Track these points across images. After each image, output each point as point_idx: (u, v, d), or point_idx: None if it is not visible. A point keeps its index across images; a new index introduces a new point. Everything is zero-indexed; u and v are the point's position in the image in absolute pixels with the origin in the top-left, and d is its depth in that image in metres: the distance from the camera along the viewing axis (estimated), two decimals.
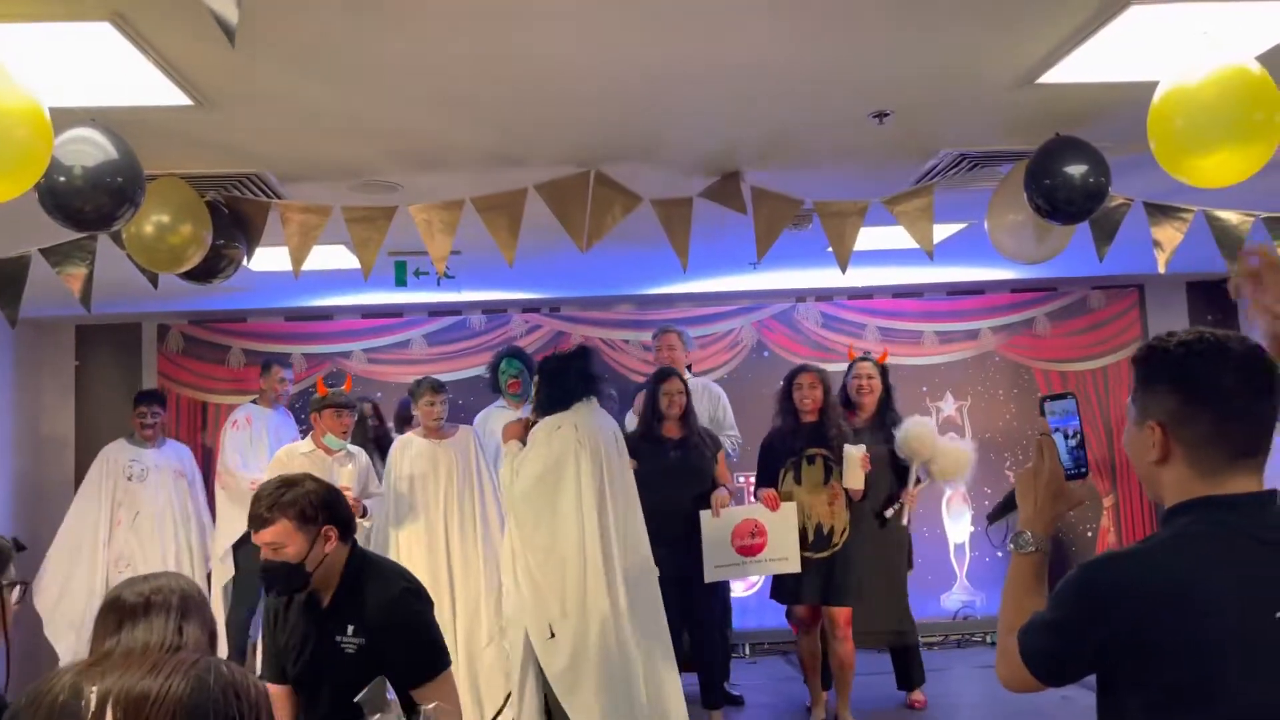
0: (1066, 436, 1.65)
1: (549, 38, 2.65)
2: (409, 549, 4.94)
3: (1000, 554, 6.69)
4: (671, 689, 4.15)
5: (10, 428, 6.37)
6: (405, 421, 5.97)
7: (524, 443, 4.22)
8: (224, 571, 5.80)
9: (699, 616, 4.90)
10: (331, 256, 4.73)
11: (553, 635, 3.98)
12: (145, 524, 5.86)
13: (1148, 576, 1.43)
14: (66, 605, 5.69)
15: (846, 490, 4.88)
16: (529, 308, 6.99)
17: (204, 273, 3.69)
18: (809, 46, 2.78)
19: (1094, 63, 2.88)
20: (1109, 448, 6.92)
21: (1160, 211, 3.92)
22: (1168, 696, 1.40)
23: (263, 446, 5.78)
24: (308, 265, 3.76)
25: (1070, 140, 3.43)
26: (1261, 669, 1.37)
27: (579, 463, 4.07)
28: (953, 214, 4.58)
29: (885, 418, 5.23)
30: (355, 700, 2.24)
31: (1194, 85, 2.68)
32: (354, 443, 5.10)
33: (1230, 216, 3.97)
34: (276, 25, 2.47)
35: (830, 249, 4.01)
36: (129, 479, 5.91)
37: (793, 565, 4.85)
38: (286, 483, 2.65)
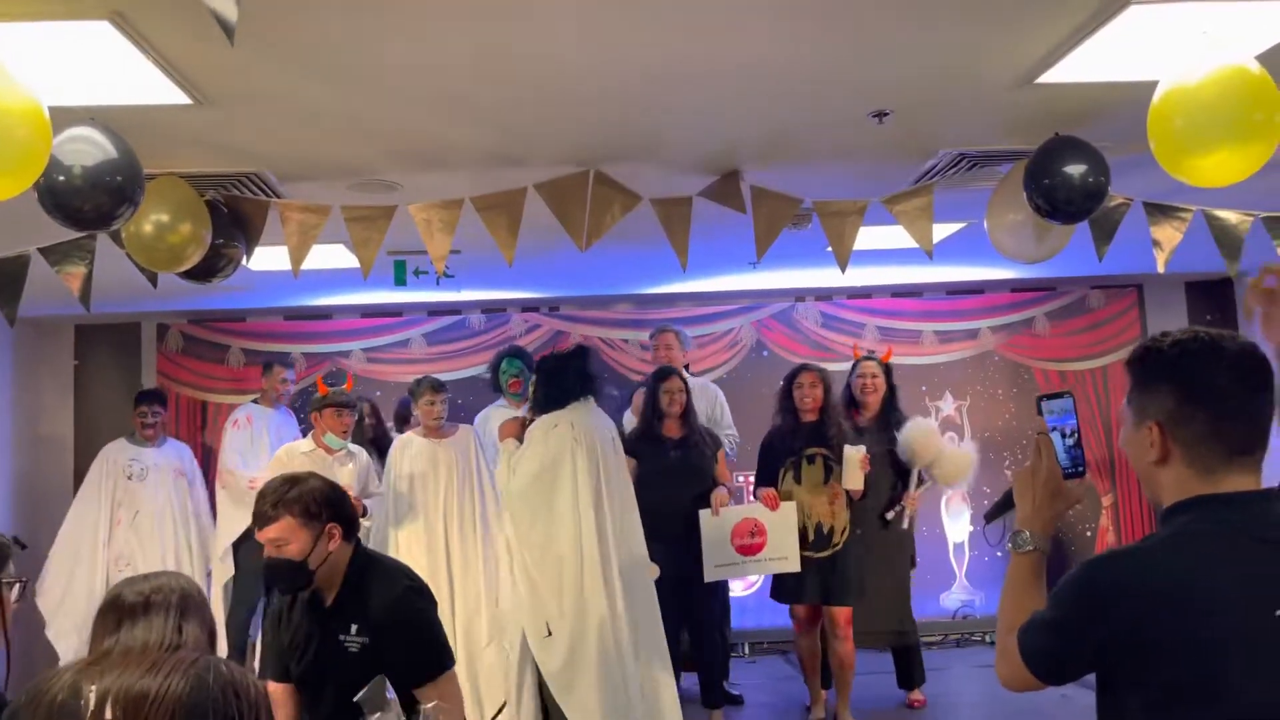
0: (1064, 435, 1.65)
1: (549, 38, 2.65)
2: (408, 548, 4.94)
3: (1000, 554, 6.69)
4: (666, 688, 4.15)
5: (9, 427, 6.37)
6: (404, 421, 5.98)
7: (520, 441, 4.23)
8: (224, 571, 5.80)
9: (699, 616, 4.90)
10: (331, 256, 4.73)
11: (550, 634, 3.98)
12: (145, 523, 5.85)
13: (1147, 575, 1.43)
14: (68, 605, 5.69)
15: (846, 491, 4.88)
16: (528, 307, 6.99)
17: (203, 272, 3.69)
18: (809, 46, 2.78)
19: (1093, 62, 2.88)
20: (1108, 447, 6.93)
21: (1159, 211, 3.93)
22: (1168, 695, 1.40)
23: (264, 446, 5.77)
24: (307, 264, 3.76)
25: (1070, 140, 3.43)
26: (1262, 668, 1.37)
27: (575, 461, 4.07)
28: (952, 213, 4.59)
29: (889, 417, 5.23)
30: (355, 699, 2.24)
31: (1194, 85, 2.68)
32: (352, 442, 5.10)
33: (1229, 216, 3.97)
34: (276, 24, 2.47)
35: (830, 248, 4.01)
36: (129, 478, 5.90)
37: (792, 565, 4.85)
38: (291, 480, 2.65)
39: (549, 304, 7.01)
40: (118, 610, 1.76)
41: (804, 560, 4.85)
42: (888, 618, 5.20)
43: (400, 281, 4.95)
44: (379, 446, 5.54)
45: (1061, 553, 6.73)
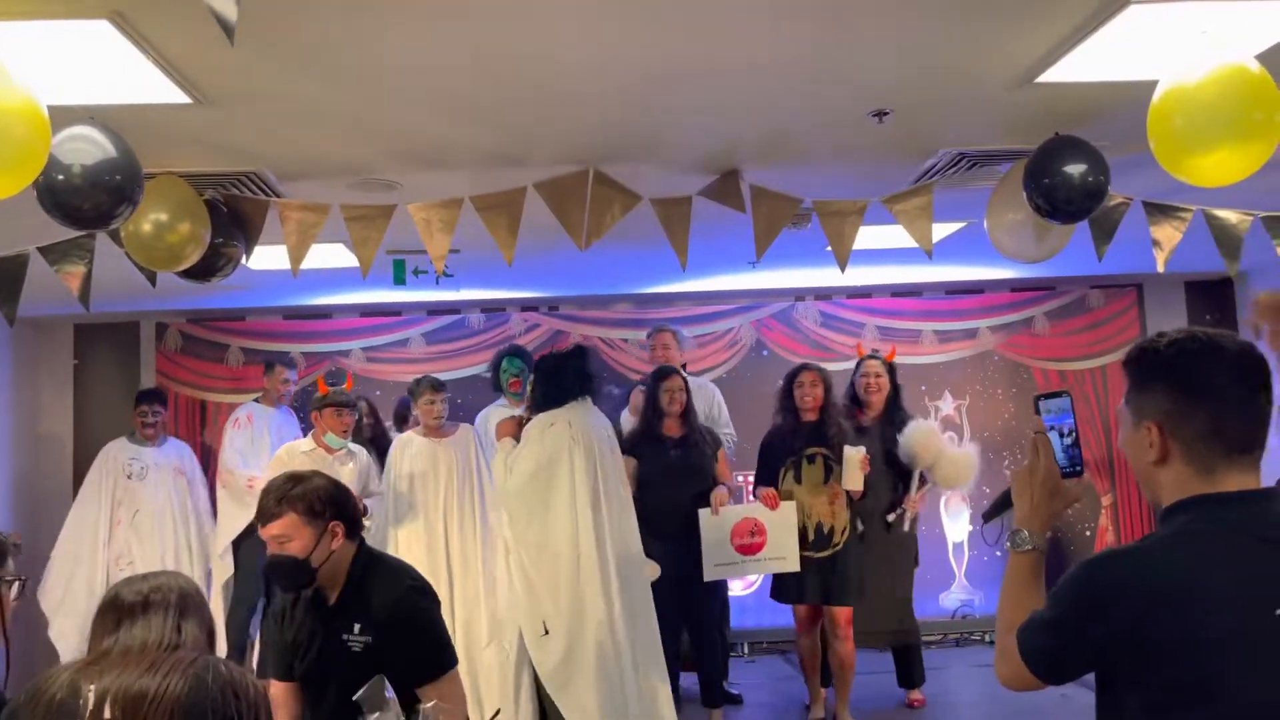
0: (1062, 435, 1.65)
1: (549, 38, 2.65)
2: (408, 548, 4.94)
3: (999, 553, 6.69)
4: (661, 687, 4.15)
5: (8, 427, 6.37)
6: (403, 420, 5.98)
7: (517, 440, 4.23)
8: (224, 569, 5.81)
9: (698, 616, 4.90)
10: (330, 255, 4.73)
11: (546, 632, 3.98)
12: (144, 522, 5.86)
13: (1147, 574, 1.43)
14: (69, 605, 5.70)
15: (847, 491, 4.88)
16: (528, 306, 6.99)
17: (202, 271, 3.69)
18: (809, 46, 2.78)
19: (1093, 62, 2.88)
20: (1107, 447, 6.93)
21: (1159, 211, 3.93)
22: (1167, 694, 1.40)
23: (264, 445, 5.78)
24: (306, 264, 3.75)
25: (1069, 139, 3.43)
26: (1261, 667, 1.37)
27: (573, 460, 4.07)
28: (952, 213, 4.59)
29: (893, 417, 5.23)
30: (354, 698, 2.24)
31: (1193, 84, 2.68)
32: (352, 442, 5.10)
33: (1229, 216, 3.97)
34: (276, 24, 2.47)
35: (829, 248, 4.01)
36: (128, 477, 5.91)
37: (791, 565, 4.85)
38: (295, 478, 2.65)
39: (548, 303, 7.01)
40: (117, 610, 1.76)
41: (804, 560, 4.85)
42: (889, 617, 5.19)
43: (399, 281, 4.95)
44: (377, 446, 5.54)
45: (1060, 552, 6.73)
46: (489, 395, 5.83)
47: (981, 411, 7.03)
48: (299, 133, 3.30)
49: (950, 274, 6.61)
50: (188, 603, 1.79)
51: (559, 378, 4.22)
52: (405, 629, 2.60)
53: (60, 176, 2.84)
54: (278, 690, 2.73)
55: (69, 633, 5.64)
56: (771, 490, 4.91)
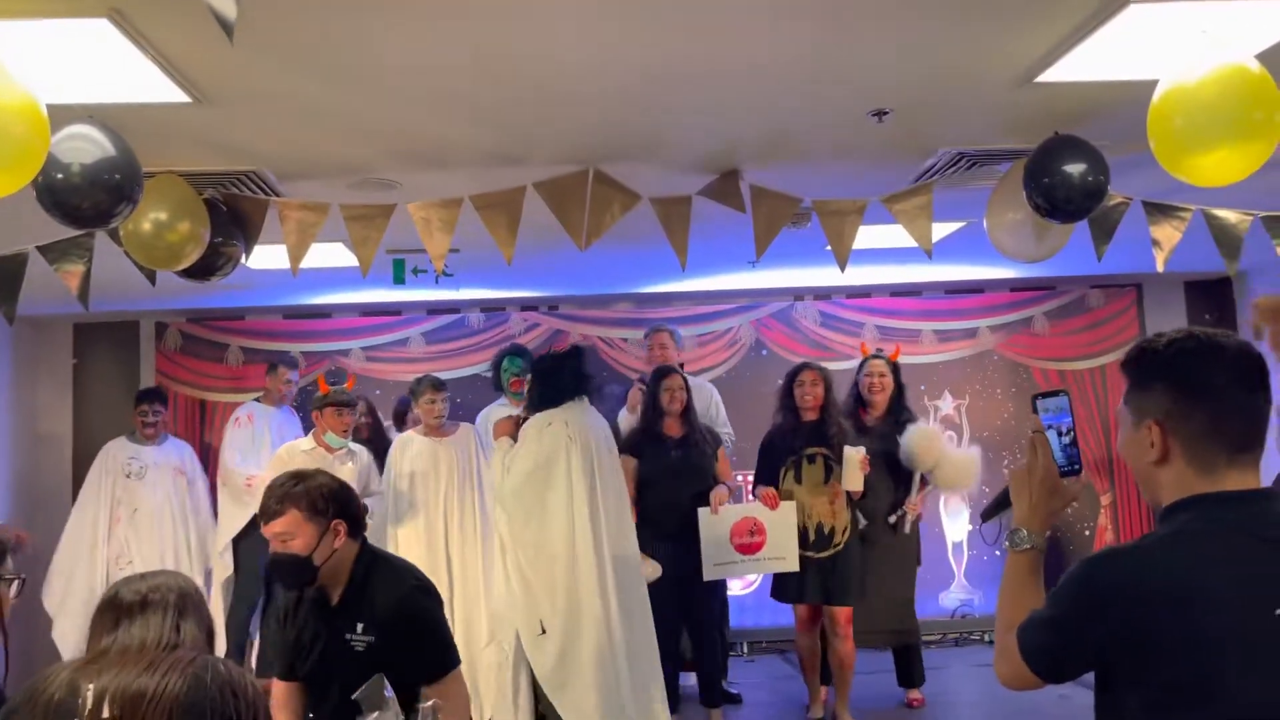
0: (1060, 434, 1.65)
1: (549, 38, 2.64)
2: (408, 547, 4.94)
3: (998, 553, 6.69)
4: (656, 687, 4.15)
5: (7, 426, 6.36)
6: (401, 419, 5.98)
7: (514, 439, 4.23)
8: (224, 568, 5.82)
9: (698, 615, 4.90)
10: (330, 254, 4.73)
11: (543, 632, 3.98)
12: (143, 521, 5.86)
13: (1147, 573, 1.43)
14: (69, 605, 5.71)
15: (847, 491, 4.87)
16: (527, 306, 6.99)
17: (202, 270, 3.69)
18: (809, 46, 2.78)
19: (1093, 61, 2.88)
20: (1107, 447, 6.93)
21: (1159, 210, 3.92)
22: (1167, 694, 1.40)
23: (265, 444, 5.79)
24: (306, 263, 3.75)
25: (1069, 139, 3.43)
26: (1261, 667, 1.37)
27: (570, 459, 4.07)
28: (951, 212, 4.58)
29: (898, 416, 5.22)
30: (353, 697, 2.24)
31: (1193, 84, 2.68)
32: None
33: (1229, 215, 3.97)
34: (275, 23, 2.47)
35: (829, 247, 4.01)
36: (127, 476, 5.91)
37: (791, 565, 4.84)
38: (298, 475, 2.65)
39: (548, 303, 7.01)
40: (115, 609, 1.76)
41: (805, 560, 4.84)
42: (890, 617, 5.19)
43: (399, 280, 4.95)
44: (375, 446, 5.54)
45: (1060, 551, 6.73)
46: (488, 395, 5.83)
47: (981, 411, 7.03)
48: (299, 132, 3.30)
49: (950, 274, 6.61)
50: (186, 602, 1.79)
51: (556, 378, 4.22)
52: (408, 629, 2.59)
53: (59, 175, 2.84)
54: (280, 690, 2.73)
55: (69, 632, 5.65)
56: (771, 490, 4.90)
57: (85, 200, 2.89)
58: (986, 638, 6.61)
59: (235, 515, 5.74)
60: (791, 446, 4.94)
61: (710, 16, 2.56)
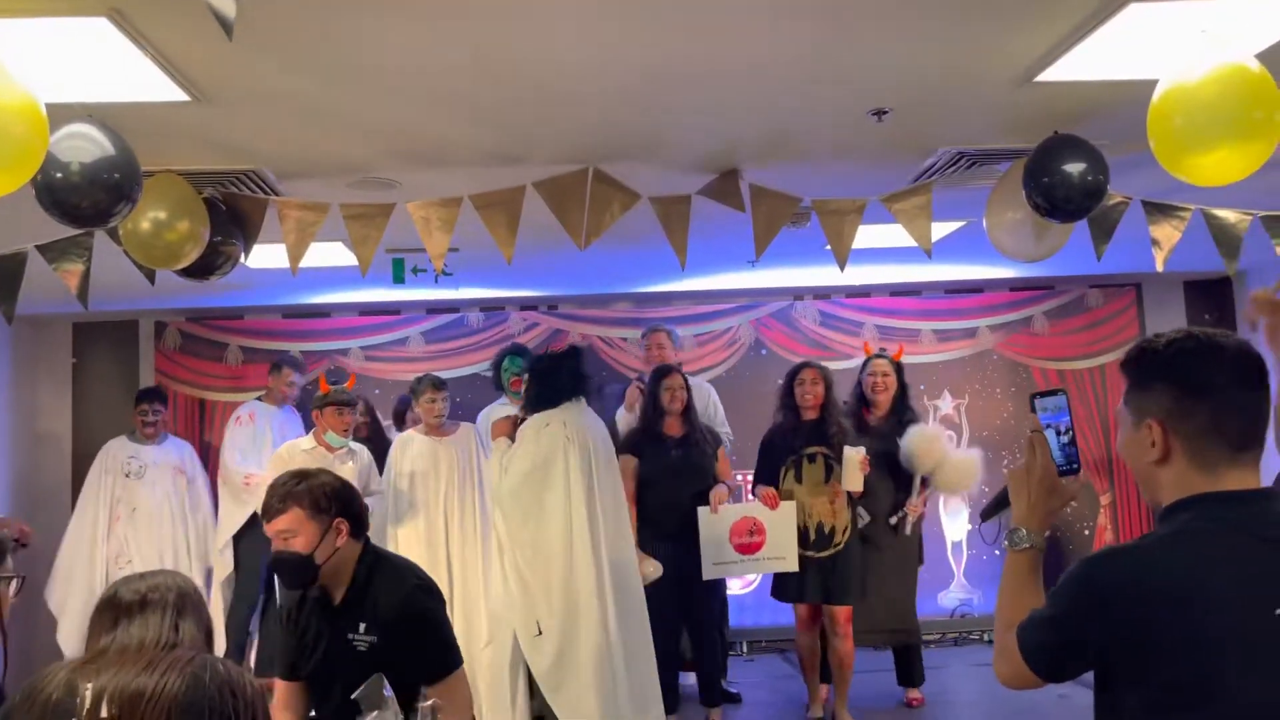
0: (1058, 433, 1.65)
1: (549, 37, 2.64)
2: (409, 546, 4.94)
3: (997, 552, 6.69)
4: (652, 689, 4.15)
5: (7, 425, 6.36)
6: (400, 419, 5.98)
7: (512, 440, 4.22)
8: (224, 565, 5.83)
9: (699, 615, 4.90)
10: (329, 253, 4.73)
11: (540, 632, 3.98)
12: (142, 520, 5.86)
13: (1147, 573, 1.43)
14: (71, 605, 5.71)
15: (847, 491, 4.87)
16: (527, 305, 6.99)
17: (201, 269, 3.69)
18: (808, 46, 2.78)
19: (1093, 61, 2.88)
20: (1106, 446, 6.93)
21: (1158, 210, 3.93)
22: (1166, 694, 1.40)
23: (267, 443, 5.80)
24: (305, 262, 3.75)
25: (1069, 138, 3.43)
26: (1261, 666, 1.37)
27: (568, 460, 4.07)
28: (951, 212, 4.58)
29: (901, 416, 5.21)
30: (353, 696, 2.23)
31: (1193, 83, 2.68)
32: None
33: (1228, 215, 3.97)
34: (275, 22, 2.47)
35: (828, 247, 4.01)
36: (126, 475, 5.92)
37: (790, 565, 4.84)
38: (301, 474, 2.65)
39: (547, 302, 7.00)
40: (114, 608, 1.75)
41: (805, 560, 4.84)
42: (891, 617, 5.18)
43: (399, 279, 4.95)
44: (374, 446, 5.54)
45: (1059, 551, 6.73)
46: (487, 394, 5.83)
47: (980, 411, 7.03)
48: (298, 131, 3.29)
49: (949, 273, 6.61)
50: (185, 602, 1.79)
51: (553, 378, 4.22)
52: (411, 629, 2.58)
53: (59, 174, 2.84)
54: (282, 690, 2.73)
55: (72, 633, 5.65)
56: (771, 490, 4.90)
57: (84, 199, 2.89)
58: (986, 637, 6.61)
59: (235, 513, 5.75)
60: (792, 446, 4.94)
61: (710, 16, 2.56)
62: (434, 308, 6.90)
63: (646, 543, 4.69)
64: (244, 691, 1.69)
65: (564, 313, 7.00)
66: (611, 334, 6.96)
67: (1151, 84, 2.81)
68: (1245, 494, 1.47)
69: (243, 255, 3.82)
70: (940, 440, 5.20)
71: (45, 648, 5.61)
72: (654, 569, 4.58)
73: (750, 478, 5.30)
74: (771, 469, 4.99)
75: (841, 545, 4.86)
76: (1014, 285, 7.08)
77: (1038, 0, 2.54)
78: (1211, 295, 7.06)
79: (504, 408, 5.47)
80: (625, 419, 5.34)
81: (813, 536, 4.87)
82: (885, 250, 5.26)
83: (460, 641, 4.76)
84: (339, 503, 2.62)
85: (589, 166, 3.66)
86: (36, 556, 5.68)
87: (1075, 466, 1.65)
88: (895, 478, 5.15)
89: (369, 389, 6.53)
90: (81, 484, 6.05)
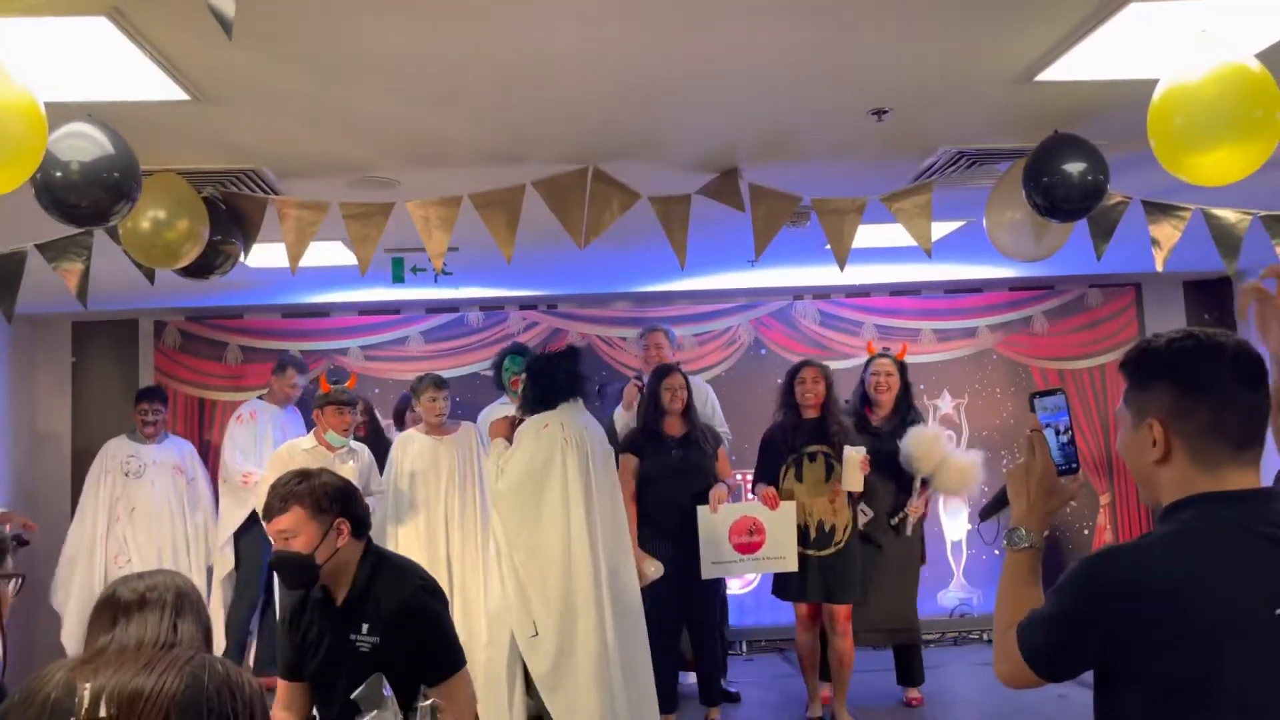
0: (1057, 432, 1.65)
1: (549, 36, 2.64)
2: (409, 546, 4.94)
3: (996, 552, 6.69)
4: (648, 692, 4.15)
5: (6, 424, 6.36)
6: (400, 418, 5.98)
7: (510, 441, 4.22)
8: (224, 563, 5.84)
9: (699, 615, 4.89)
10: (329, 253, 4.73)
11: (536, 633, 3.98)
12: (142, 519, 5.87)
13: (1147, 572, 1.43)
14: (72, 605, 5.71)
15: (847, 491, 4.87)
16: (526, 305, 6.99)
17: (200, 269, 3.69)
18: (808, 45, 2.78)
19: (1093, 60, 2.87)
20: (1106, 446, 6.93)
21: (1158, 210, 3.92)
22: (1166, 693, 1.40)
23: (268, 442, 5.82)
24: (305, 261, 3.75)
25: (1069, 138, 3.42)
26: (1261, 666, 1.37)
27: (565, 462, 4.07)
28: (951, 212, 4.58)
29: (904, 416, 5.21)
30: (352, 696, 2.23)
31: (1193, 83, 2.68)
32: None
33: (1228, 215, 3.97)
34: (274, 21, 2.47)
35: (828, 246, 4.00)
36: (126, 475, 5.92)
37: (790, 565, 4.84)
38: (303, 474, 2.65)
39: (547, 301, 7.00)
40: (113, 608, 1.75)
41: (805, 558, 4.84)
42: (892, 616, 5.18)
43: (398, 279, 4.95)
44: (373, 446, 5.55)
45: (1058, 551, 6.73)
46: (487, 393, 5.83)
47: (980, 410, 7.03)
48: (298, 130, 3.29)
49: (949, 273, 6.61)
50: (184, 601, 1.79)
51: (550, 379, 4.22)
52: (413, 629, 2.58)
53: (58, 173, 2.84)
54: (284, 690, 2.73)
55: (75, 632, 5.65)
56: (771, 489, 4.89)
57: (84, 198, 2.89)
58: (985, 637, 6.61)
59: (235, 511, 5.78)
60: (792, 444, 4.94)
61: (710, 16, 2.56)
62: (433, 307, 6.90)
63: (647, 542, 4.69)
64: (242, 691, 1.69)
65: (563, 312, 7.00)
66: (611, 333, 6.96)
67: (1151, 83, 2.81)
68: (1246, 493, 1.47)
69: (242, 254, 3.82)
70: (940, 442, 5.19)
71: (48, 647, 5.61)
72: (655, 569, 4.58)
73: (750, 477, 5.30)
74: (772, 467, 4.98)
75: (842, 544, 4.86)
76: (1014, 285, 7.08)
77: (1038, 0, 2.54)
78: (1211, 295, 7.06)
79: (505, 407, 5.47)
80: (622, 417, 5.34)
81: (813, 535, 4.87)
82: (885, 250, 5.25)
83: (461, 640, 4.80)
84: (340, 503, 2.62)
85: (589, 166, 3.66)
86: (36, 556, 5.69)
87: (1074, 466, 1.65)
88: (897, 478, 5.14)
89: (368, 388, 6.54)
90: (81, 483, 6.06)
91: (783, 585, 4.98)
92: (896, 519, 5.15)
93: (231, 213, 3.74)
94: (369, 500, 4.82)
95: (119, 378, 6.72)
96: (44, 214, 2.97)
